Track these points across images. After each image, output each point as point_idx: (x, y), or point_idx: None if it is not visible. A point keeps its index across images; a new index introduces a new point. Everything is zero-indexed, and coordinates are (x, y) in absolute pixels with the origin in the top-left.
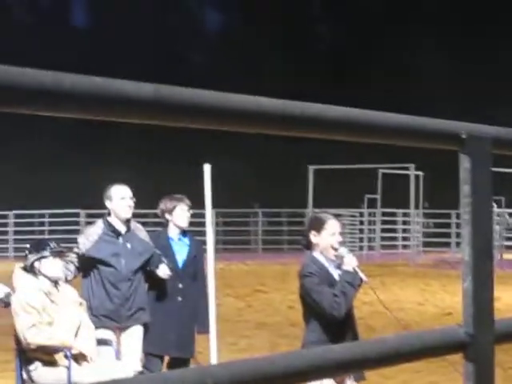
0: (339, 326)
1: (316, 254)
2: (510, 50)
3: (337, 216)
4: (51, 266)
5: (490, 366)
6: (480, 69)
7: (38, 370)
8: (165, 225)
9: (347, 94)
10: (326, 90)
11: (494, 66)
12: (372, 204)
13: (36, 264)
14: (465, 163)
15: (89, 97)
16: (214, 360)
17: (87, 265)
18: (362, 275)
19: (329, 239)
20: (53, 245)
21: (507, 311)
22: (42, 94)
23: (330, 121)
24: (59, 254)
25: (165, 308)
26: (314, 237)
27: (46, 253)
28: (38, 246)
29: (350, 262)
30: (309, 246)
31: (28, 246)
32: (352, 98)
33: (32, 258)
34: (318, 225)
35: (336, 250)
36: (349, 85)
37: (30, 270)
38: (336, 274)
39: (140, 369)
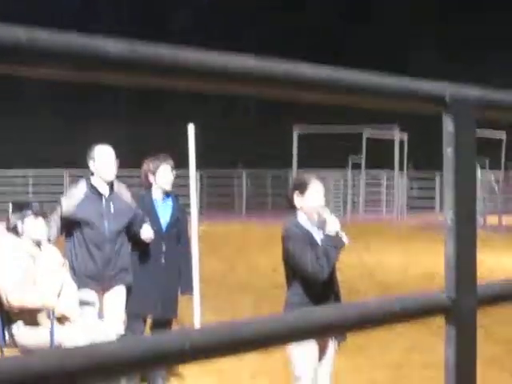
0: (321, 289)
1: (299, 215)
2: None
3: (321, 178)
4: (34, 226)
5: (472, 331)
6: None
7: (20, 330)
8: (148, 186)
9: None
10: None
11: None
12: (356, 166)
13: (18, 224)
14: (448, 126)
15: (63, 55)
16: (196, 322)
17: (70, 226)
18: (344, 237)
19: (312, 201)
20: (35, 205)
21: (490, 275)
22: (16, 52)
23: (308, 81)
24: (42, 214)
25: (148, 270)
26: (297, 198)
27: (29, 213)
28: (21, 207)
29: (333, 224)
30: (292, 207)
31: (10, 206)
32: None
33: (14, 218)
34: (301, 186)
35: (319, 211)
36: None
37: (13, 230)
38: (319, 236)
39: (122, 330)
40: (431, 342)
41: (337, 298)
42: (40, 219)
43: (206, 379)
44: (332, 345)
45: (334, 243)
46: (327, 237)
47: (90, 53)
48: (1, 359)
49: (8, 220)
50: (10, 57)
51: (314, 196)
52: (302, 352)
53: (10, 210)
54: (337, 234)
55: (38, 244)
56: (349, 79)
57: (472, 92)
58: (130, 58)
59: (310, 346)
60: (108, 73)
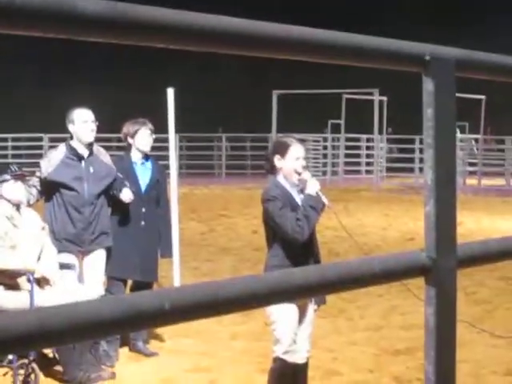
0: (302, 251)
1: (279, 178)
2: None
3: (301, 141)
4: (13, 189)
5: (451, 291)
6: None
7: (0, 293)
8: (127, 149)
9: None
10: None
11: None
12: (336, 129)
13: None
14: (428, 86)
15: (41, 12)
16: (176, 284)
17: (49, 189)
18: (324, 199)
19: (292, 163)
20: (14, 168)
21: (470, 236)
22: None
23: (291, 41)
24: (21, 177)
25: (128, 232)
26: (277, 161)
27: (7, 176)
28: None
29: (313, 187)
30: (272, 170)
31: None
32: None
33: None
34: (282, 149)
35: (299, 174)
36: None
37: None
38: (299, 198)
39: (103, 293)
40: (411, 305)
41: (317, 261)
42: (19, 183)
43: (186, 341)
44: (312, 307)
45: (315, 203)
46: (308, 196)
47: (67, 10)
48: None
49: None
50: None
51: (295, 158)
52: (283, 314)
53: None
54: (317, 194)
55: (18, 207)
56: (330, 39)
57: (451, 52)
58: (108, 16)
59: (290, 309)
60: (85, 30)
